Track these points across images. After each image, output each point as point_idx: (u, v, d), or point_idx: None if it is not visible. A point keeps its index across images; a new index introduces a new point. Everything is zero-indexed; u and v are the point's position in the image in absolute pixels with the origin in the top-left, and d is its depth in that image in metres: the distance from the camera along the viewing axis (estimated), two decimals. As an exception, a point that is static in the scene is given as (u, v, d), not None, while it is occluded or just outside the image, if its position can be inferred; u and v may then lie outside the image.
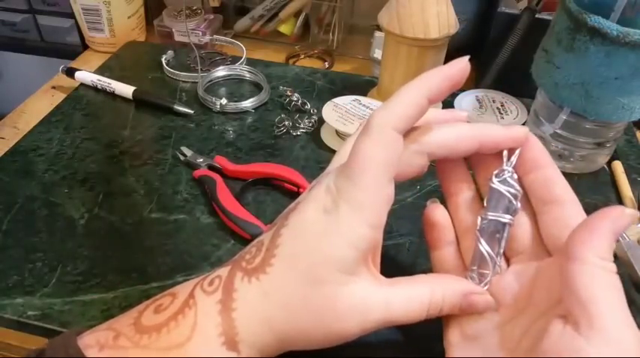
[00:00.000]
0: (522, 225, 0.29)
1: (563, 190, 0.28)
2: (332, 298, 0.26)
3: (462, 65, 0.27)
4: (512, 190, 0.28)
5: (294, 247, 0.26)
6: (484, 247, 0.28)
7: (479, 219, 0.29)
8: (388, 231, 0.42)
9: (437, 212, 0.31)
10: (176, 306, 0.27)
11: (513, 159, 0.29)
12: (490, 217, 0.28)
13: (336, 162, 0.30)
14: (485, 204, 0.29)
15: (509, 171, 0.28)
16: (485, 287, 0.29)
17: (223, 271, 0.28)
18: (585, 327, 0.23)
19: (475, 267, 0.29)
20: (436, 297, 0.27)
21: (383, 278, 0.28)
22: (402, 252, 0.41)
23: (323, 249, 0.26)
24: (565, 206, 0.28)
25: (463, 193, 0.31)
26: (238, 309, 0.26)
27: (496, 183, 0.28)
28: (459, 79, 0.27)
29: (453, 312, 0.28)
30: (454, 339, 0.29)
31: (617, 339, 0.22)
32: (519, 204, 0.28)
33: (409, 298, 0.27)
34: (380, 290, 0.27)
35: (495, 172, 0.29)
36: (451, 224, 0.31)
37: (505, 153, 0.29)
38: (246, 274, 0.27)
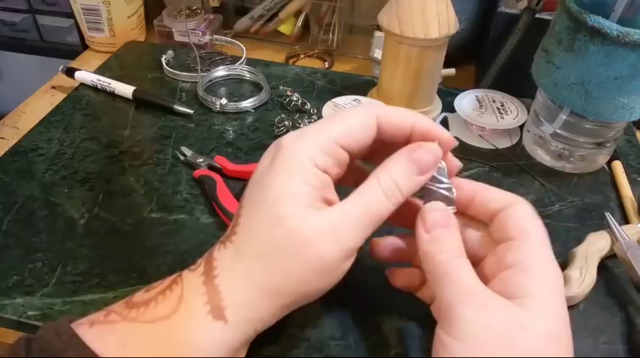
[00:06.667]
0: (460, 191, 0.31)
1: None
2: (297, 228, 0.26)
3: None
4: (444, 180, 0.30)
5: (253, 199, 0.28)
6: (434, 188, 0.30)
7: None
8: (388, 231, 0.42)
9: (397, 278, 0.34)
10: (164, 284, 0.28)
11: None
12: (430, 186, 0.30)
13: None
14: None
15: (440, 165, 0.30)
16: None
17: (206, 253, 0.29)
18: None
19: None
20: (384, 180, 0.28)
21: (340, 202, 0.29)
22: (402, 252, 0.41)
23: (276, 188, 0.27)
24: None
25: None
26: (220, 275, 0.27)
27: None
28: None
29: (417, 184, 0.29)
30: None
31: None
32: (455, 192, 0.30)
33: (364, 200, 0.28)
34: (338, 210, 0.27)
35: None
36: (414, 272, 0.33)
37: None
38: (221, 243, 0.28)
